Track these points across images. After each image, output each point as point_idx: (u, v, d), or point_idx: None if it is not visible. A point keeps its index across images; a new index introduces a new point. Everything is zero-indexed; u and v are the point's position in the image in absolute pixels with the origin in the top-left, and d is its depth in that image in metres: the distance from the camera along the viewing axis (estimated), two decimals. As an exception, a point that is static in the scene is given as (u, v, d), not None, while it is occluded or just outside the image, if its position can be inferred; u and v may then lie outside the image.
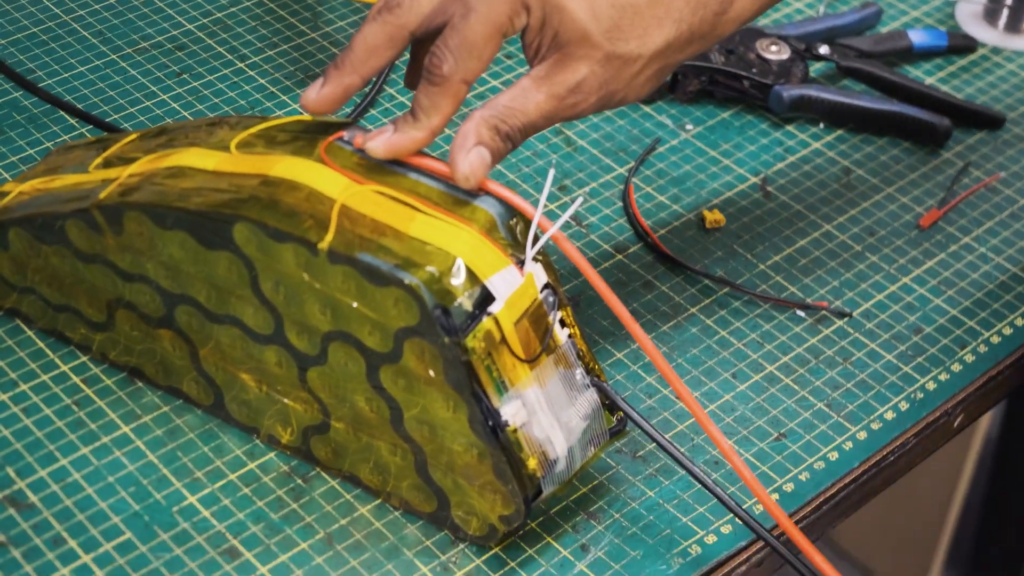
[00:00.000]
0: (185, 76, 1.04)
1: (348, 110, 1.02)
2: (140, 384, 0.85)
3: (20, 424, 0.82)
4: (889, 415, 0.87)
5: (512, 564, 0.78)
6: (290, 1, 1.12)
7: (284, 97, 1.04)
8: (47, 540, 0.77)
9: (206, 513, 0.79)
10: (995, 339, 0.91)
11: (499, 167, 0.98)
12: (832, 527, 0.84)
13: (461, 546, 0.79)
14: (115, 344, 0.84)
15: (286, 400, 0.80)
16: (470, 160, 0.73)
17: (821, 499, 0.83)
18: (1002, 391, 0.91)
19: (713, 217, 0.97)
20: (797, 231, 0.97)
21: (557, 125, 1.03)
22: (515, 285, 0.73)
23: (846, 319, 0.91)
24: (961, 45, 1.12)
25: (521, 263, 0.74)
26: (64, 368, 0.85)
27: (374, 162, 0.76)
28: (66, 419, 0.82)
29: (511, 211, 0.75)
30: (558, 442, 0.75)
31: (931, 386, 0.89)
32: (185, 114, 1.01)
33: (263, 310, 0.78)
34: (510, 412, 0.73)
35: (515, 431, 0.74)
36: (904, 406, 0.87)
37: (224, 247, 0.76)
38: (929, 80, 1.09)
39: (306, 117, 0.81)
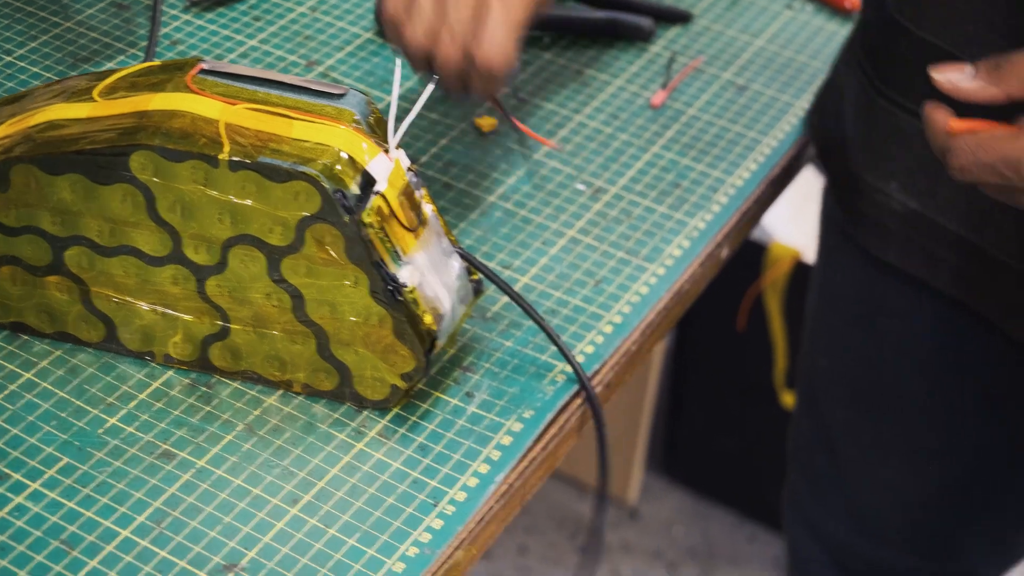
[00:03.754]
0: (-37, 73, 1.09)
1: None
2: (25, 337, 0.91)
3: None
4: (676, 252, 1.03)
5: (413, 418, 0.89)
6: (38, -4, 1.18)
7: (95, 71, 1.10)
8: (-3, 473, 0.83)
9: (130, 429, 0.87)
10: (738, 182, 1.09)
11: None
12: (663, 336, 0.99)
13: (366, 412, 0.89)
14: (-3, 302, 0.90)
15: (182, 316, 0.89)
16: None
17: (644, 325, 0.98)
18: (751, 223, 1.09)
19: (487, 123, 1.10)
20: (555, 124, 1.12)
21: (321, 69, 1.14)
22: (389, 168, 0.85)
23: (611, 192, 1.06)
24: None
25: (387, 150, 0.86)
26: (-46, 332, 0.90)
27: (237, 86, 0.86)
28: (-26, 373, 0.88)
29: (368, 108, 0.86)
30: (444, 298, 0.87)
31: (701, 225, 1.05)
32: (-24, 105, 1.06)
33: (160, 232, 0.86)
34: (406, 275, 0.85)
35: (412, 291, 0.85)
36: (685, 244, 1.04)
37: (119, 180, 0.84)
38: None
39: (155, 62, 0.90)
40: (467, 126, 1.11)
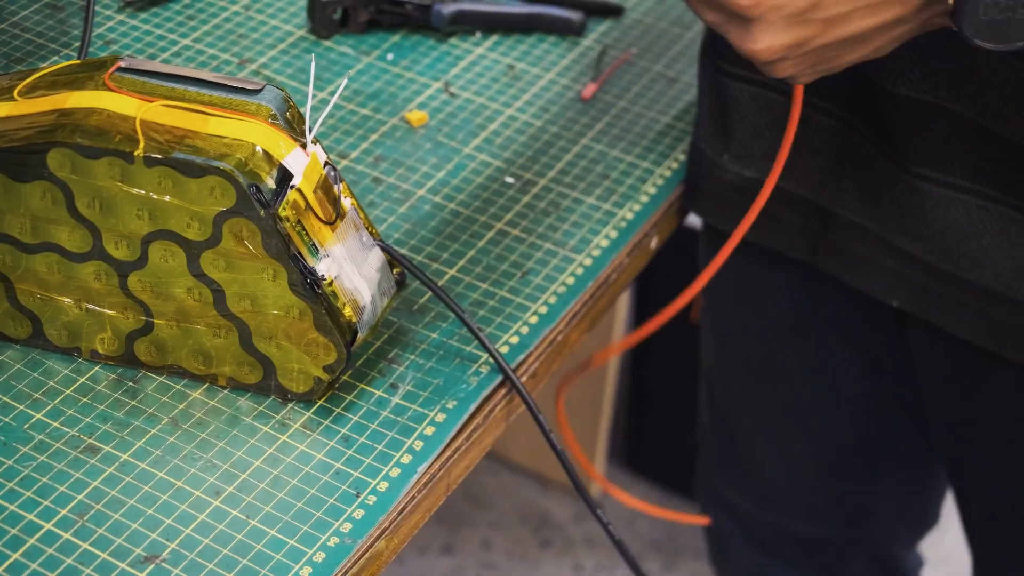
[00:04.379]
0: None
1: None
2: (-48, 336, 0.92)
3: None
4: (604, 242, 1.04)
5: (338, 410, 0.90)
6: (-27, -1, 1.19)
7: (16, 69, 1.11)
8: (-78, 469, 0.84)
9: (56, 424, 0.88)
10: (667, 172, 1.10)
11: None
12: (587, 330, 1.00)
13: (291, 405, 0.90)
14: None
15: (107, 311, 0.90)
16: None
17: (570, 315, 0.99)
18: (680, 212, 1.10)
19: (417, 117, 1.11)
20: (486, 118, 1.13)
21: (253, 67, 1.15)
22: (305, 163, 0.86)
23: (540, 184, 1.07)
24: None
25: (304, 145, 0.87)
26: None
27: (155, 82, 0.87)
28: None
29: (285, 103, 0.87)
30: (364, 290, 0.88)
31: (629, 215, 1.06)
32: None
33: (80, 228, 0.87)
34: (324, 268, 0.86)
35: (330, 283, 0.86)
36: (613, 234, 1.05)
37: (38, 177, 0.85)
38: (555, -13, 1.28)
39: (74, 61, 0.90)
40: (399, 121, 1.12)
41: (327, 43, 1.19)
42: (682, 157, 1.12)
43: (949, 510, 1.32)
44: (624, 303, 1.91)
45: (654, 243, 1.08)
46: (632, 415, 2.10)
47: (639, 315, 2.02)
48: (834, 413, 1.17)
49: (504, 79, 1.17)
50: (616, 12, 1.25)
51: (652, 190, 1.09)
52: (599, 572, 2.03)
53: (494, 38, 1.21)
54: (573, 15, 1.21)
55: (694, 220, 1.18)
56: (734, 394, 1.22)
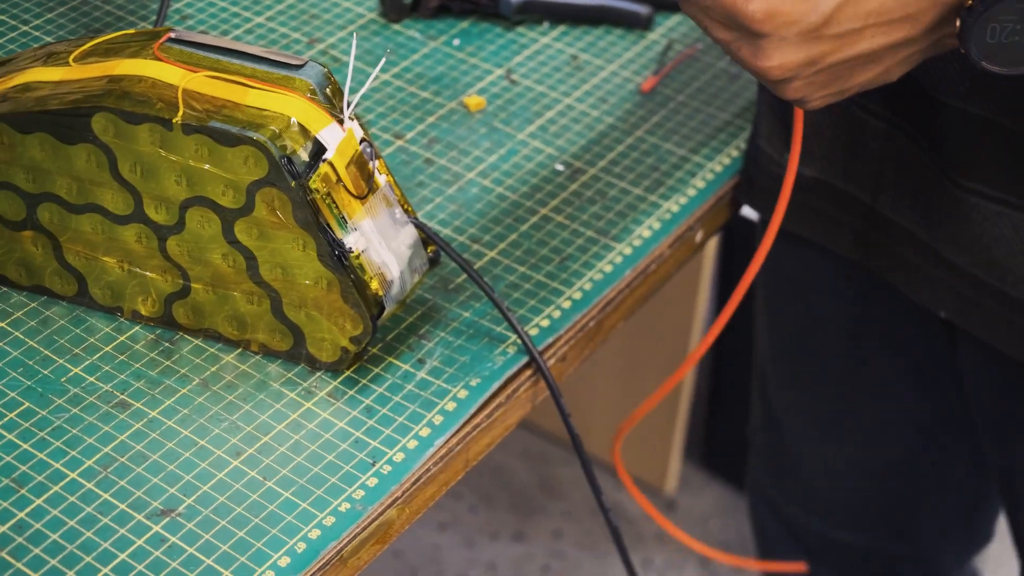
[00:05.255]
0: (-22, 40, 1.15)
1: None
2: (4, 288, 0.96)
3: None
4: (646, 233, 1.05)
5: (363, 381, 0.92)
6: (59, -31, 1.23)
7: (76, 37, 1.15)
8: (-42, 413, 0.88)
9: (91, 379, 0.91)
10: (718, 167, 1.11)
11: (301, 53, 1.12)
12: (615, 326, 1.01)
13: (318, 373, 0.92)
14: (-22, 253, 0.95)
15: (148, 274, 0.93)
16: None
17: (604, 302, 1.00)
18: (729, 208, 1.11)
19: (475, 102, 1.13)
20: (543, 106, 1.14)
21: (322, 47, 1.17)
22: (340, 137, 0.88)
23: (590, 173, 1.09)
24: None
25: (341, 121, 0.89)
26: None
27: (202, 54, 0.90)
28: (-52, 320, 0.93)
29: (327, 80, 0.90)
30: (392, 265, 0.90)
31: (675, 208, 1.07)
32: (-13, 71, 1.11)
33: (122, 192, 0.90)
34: (352, 241, 0.88)
35: (358, 256, 0.88)
36: (656, 225, 1.06)
37: (83, 140, 0.88)
38: (628, -20, 1.29)
39: (129, 31, 0.94)
40: (457, 105, 1.14)
41: (396, 27, 1.21)
42: (735, 153, 1.12)
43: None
44: (701, 312, 1.91)
45: (699, 236, 1.08)
46: (709, 414, 2.10)
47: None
48: (882, 422, 1.16)
49: (566, 69, 1.18)
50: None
51: (701, 184, 1.09)
52: (668, 569, 2.03)
53: (561, 28, 1.22)
54: (641, 8, 1.22)
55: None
56: (784, 397, 1.22)
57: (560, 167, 1.09)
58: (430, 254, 0.94)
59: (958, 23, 0.78)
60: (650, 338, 1.95)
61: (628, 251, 1.03)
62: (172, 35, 0.91)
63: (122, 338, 0.94)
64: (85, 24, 1.18)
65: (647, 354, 1.98)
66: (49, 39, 1.16)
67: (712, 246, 1.86)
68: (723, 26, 0.79)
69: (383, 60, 0.91)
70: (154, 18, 1.19)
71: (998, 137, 0.93)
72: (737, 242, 1.86)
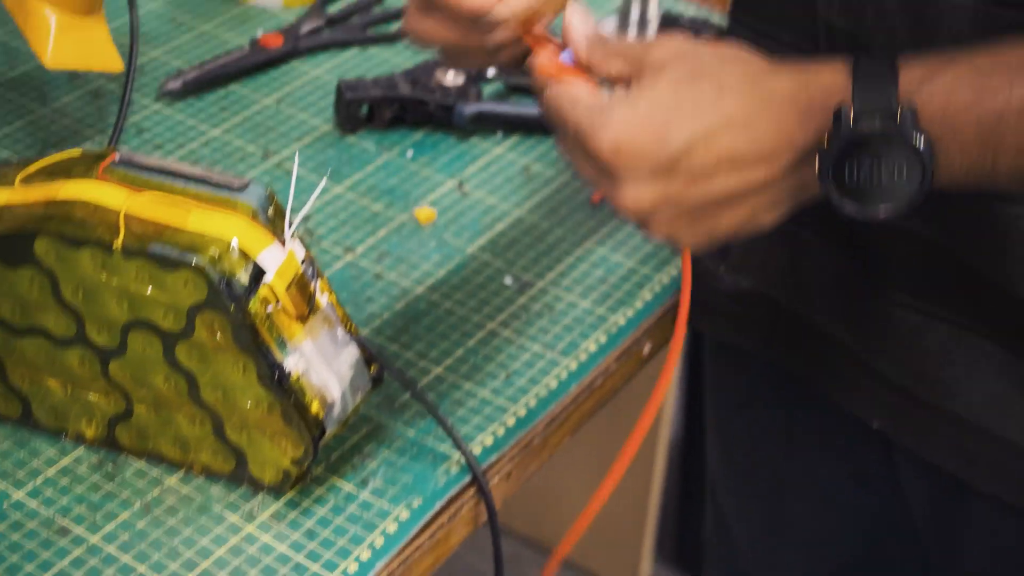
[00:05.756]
0: (-67, 156, 1.15)
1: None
2: (-51, 410, 0.96)
3: None
4: (592, 347, 1.05)
5: (307, 503, 0.92)
6: (18, 83, 1.24)
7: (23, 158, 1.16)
8: None
9: (33, 504, 0.91)
10: (665, 279, 1.11)
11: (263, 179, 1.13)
12: (559, 444, 1.02)
13: (261, 495, 0.92)
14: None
15: (91, 396, 0.93)
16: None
17: (549, 418, 1.01)
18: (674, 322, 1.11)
19: (426, 214, 1.14)
20: (494, 218, 1.15)
21: (276, 160, 1.18)
22: (280, 259, 0.88)
23: (538, 287, 1.09)
24: (603, 61, 1.33)
25: (282, 241, 0.89)
26: None
27: (146, 176, 0.90)
28: None
29: (269, 200, 0.90)
30: (333, 386, 0.91)
31: (622, 321, 1.08)
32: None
33: (65, 315, 0.90)
34: (291, 363, 0.88)
35: (298, 379, 0.88)
36: (603, 338, 1.06)
37: (26, 263, 0.89)
38: (581, 90, 1.30)
39: (74, 152, 0.94)
40: (408, 217, 1.14)
41: (351, 138, 1.22)
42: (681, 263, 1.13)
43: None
44: (669, 409, 1.92)
45: (647, 349, 1.08)
46: (680, 513, 2.09)
47: (690, 414, 2.02)
48: (828, 528, 1.16)
49: (518, 180, 1.19)
50: (639, 117, 1.26)
51: (648, 296, 1.10)
52: (640, 668, 2.01)
53: (515, 139, 1.23)
54: (593, 119, 1.23)
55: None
56: (733, 503, 1.22)
57: (509, 281, 1.10)
58: (373, 373, 0.95)
59: (816, 164, 0.78)
60: (623, 433, 1.95)
61: (574, 366, 1.04)
62: (117, 157, 0.91)
63: (66, 461, 0.94)
64: (43, 138, 1.19)
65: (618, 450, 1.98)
66: (6, 153, 1.17)
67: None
68: (585, 161, 0.80)
69: (323, 181, 0.91)
70: (111, 131, 1.19)
71: (924, 251, 0.94)
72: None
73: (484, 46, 0.87)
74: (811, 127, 0.78)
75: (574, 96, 0.81)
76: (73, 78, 1.25)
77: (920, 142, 0.76)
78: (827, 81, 0.79)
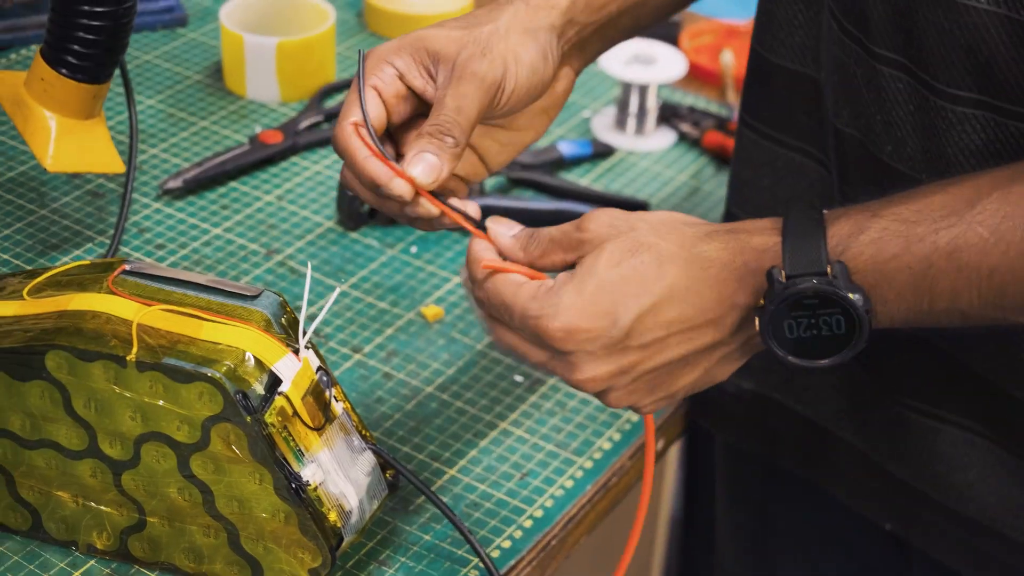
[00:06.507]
0: (-67, 261, 1.14)
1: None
2: (-43, 524, 0.94)
3: None
4: (606, 445, 1.04)
5: (323, 612, 0.91)
6: (15, 184, 1.23)
7: (30, 268, 1.15)
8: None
9: (44, 619, 0.89)
10: (677, 374, 1.11)
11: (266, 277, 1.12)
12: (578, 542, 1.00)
13: (277, 605, 0.91)
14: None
15: (103, 508, 0.91)
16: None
17: (566, 519, 0.99)
18: (687, 416, 1.11)
19: (433, 312, 1.13)
20: (501, 314, 1.14)
21: (280, 258, 1.18)
22: (295, 369, 0.88)
23: (549, 384, 1.09)
24: (602, 151, 1.33)
25: (296, 351, 0.89)
26: None
27: (155, 286, 0.89)
28: None
29: (282, 309, 0.90)
30: (350, 495, 0.89)
31: (634, 418, 1.07)
32: (-58, 293, 1.11)
33: (77, 428, 0.89)
34: (309, 473, 0.87)
35: (315, 489, 0.87)
36: (616, 436, 1.05)
37: (37, 376, 0.88)
38: (583, 181, 1.30)
39: (84, 262, 0.94)
40: (415, 315, 1.14)
41: (354, 235, 1.21)
42: (694, 358, 1.12)
43: None
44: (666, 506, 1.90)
45: (659, 445, 1.08)
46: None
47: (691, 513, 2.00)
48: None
49: (524, 274, 1.19)
50: (642, 208, 1.26)
51: (661, 392, 1.09)
52: None
53: (518, 233, 1.23)
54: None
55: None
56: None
57: (519, 378, 1.09)
58: (389, 478, 0.94)
59: (756, 322, 0.79)
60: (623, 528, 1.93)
61: (589, 464, 1.03)
62: (127, 267, 0.91)
63: (77, 574, 0.92)
64: (42, 240, 1.18)
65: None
66: (5, 256, 1.16)
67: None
68: (537, 348, 0.81)
69: (337, 290, 0.91)
70: (111, 232, 1.19)
71: (933, 358, 0.93)
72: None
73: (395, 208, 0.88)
74: (749, 288, 0.80)
75: (516, 282, 0.83)
76: (72, 178, 1.25)
77: (854, 296, 0.77)
78: (758, 243, 0.81)
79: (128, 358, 0.86)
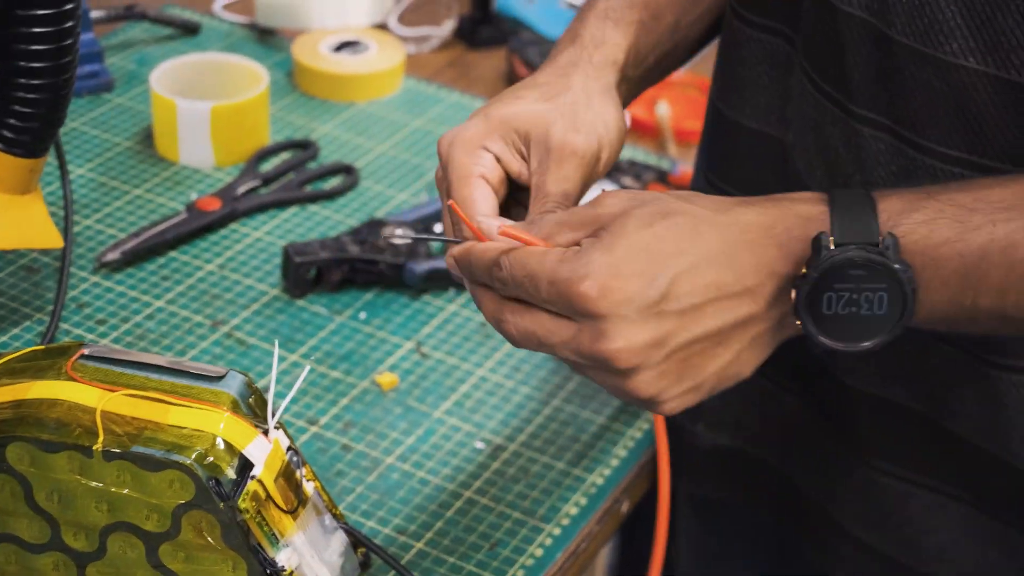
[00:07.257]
0: None
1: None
2: (-90, 623, 0.91)
3: None
4: (573, 510, 1.03)
5: None
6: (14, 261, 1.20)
7: (-31, 348, 1.12)
8: None
9: None
10: (637, 434, 1.10)
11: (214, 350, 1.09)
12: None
13: None
14: None
15: (66, 601, 0.88)
16: None
17: (539, 589, 0.98)
18: (652, 474, 1.10)
19: (387, 380, 1.11)
20: (456, 379, 1.13)
21: (226, 329, 1.15)
22: (266, 451, 0.85)
23: (511, 450, 1.07)
24: (544, 208, 1.32)
25: (266, 432, 0.86)
26: None
27: (116, 370, 0.87)
28: None
29: (248, 389, 0.87)
30: (325, 578, 0.87)
31: (599, 480, 1.06)
32: None
33: (39, 520, 0.86)
34: (284, 558, 0.85)
35: (291, 574, 0.85)
36: (583, 500, 1.04)
37: (-3, 470, 0.85)
38: (528, 240, 1.29)
39: (38, 347, 0.91)
40: (369, 384, 1.12)
41: (300, 302, 1.19)
42: (647, 423, 1.12)
43: None
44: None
45: (625, 507, 1.07)
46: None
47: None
48: None
49: (476, 337, 1.17)
50: (588, 265, 1.25)
51: (623, 452, 1.08)
52: None
53: (467, 295, 1.22)
54: (545, 270, 1.22)
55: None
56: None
57: (480, 445, 1.08)
58: (360, 557, 0.92)
59: (793, 293, 0.75)
60: None
61: (557, 531, 1.01)
62: (85, 351, 0.88)
63: (40, 670, 0.89)
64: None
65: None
66: (-58, 337, 1.12)
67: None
68: (563, 325, 0.76)
69: (304, 372, 0.89)
70: (50, 308, 1.16)
71: (903, 418, 0.93)
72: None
73: None
74: (791, 256, 0.76)
75: (539, 251, 0.77)
76: (4, 253, 1.21)
77: (902, 271, 0.74)
78: (804, 211, 0.77)
79: (94, 448, 0.83)
